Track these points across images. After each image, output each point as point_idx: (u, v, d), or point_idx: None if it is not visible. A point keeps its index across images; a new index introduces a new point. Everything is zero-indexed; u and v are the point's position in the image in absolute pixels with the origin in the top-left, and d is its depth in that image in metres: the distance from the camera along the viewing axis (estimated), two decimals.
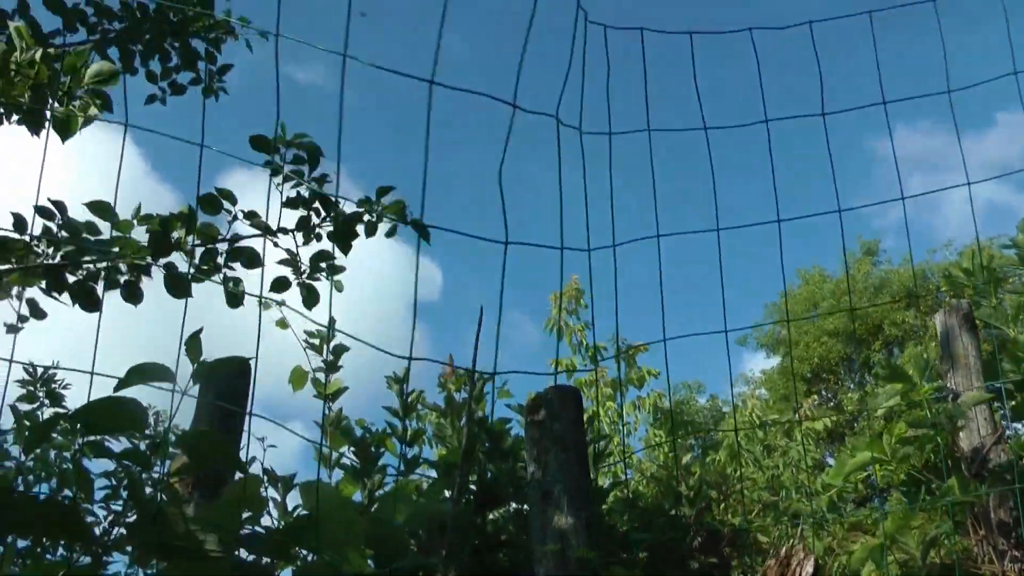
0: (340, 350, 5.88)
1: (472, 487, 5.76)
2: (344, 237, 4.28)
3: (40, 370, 5.45)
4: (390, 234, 4.33)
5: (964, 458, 3.75)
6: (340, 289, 4.42)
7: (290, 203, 4.22)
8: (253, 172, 4.06)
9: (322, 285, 4.51)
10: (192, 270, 3.96)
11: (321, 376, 5.55)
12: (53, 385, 5.52)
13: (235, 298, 4.04)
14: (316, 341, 5.86)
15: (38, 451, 4.62)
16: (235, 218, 4.07)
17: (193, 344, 2.66)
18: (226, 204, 4.02)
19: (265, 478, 4.85)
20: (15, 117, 3.61)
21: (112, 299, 4.00)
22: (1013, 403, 4.09)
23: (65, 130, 3.40)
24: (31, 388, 5.38)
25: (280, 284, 4.34)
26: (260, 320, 2.72)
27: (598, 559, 3.91)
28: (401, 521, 4.72)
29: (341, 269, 4.43)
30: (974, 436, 3.91)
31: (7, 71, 3.09)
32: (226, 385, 4.13)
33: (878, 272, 35.55)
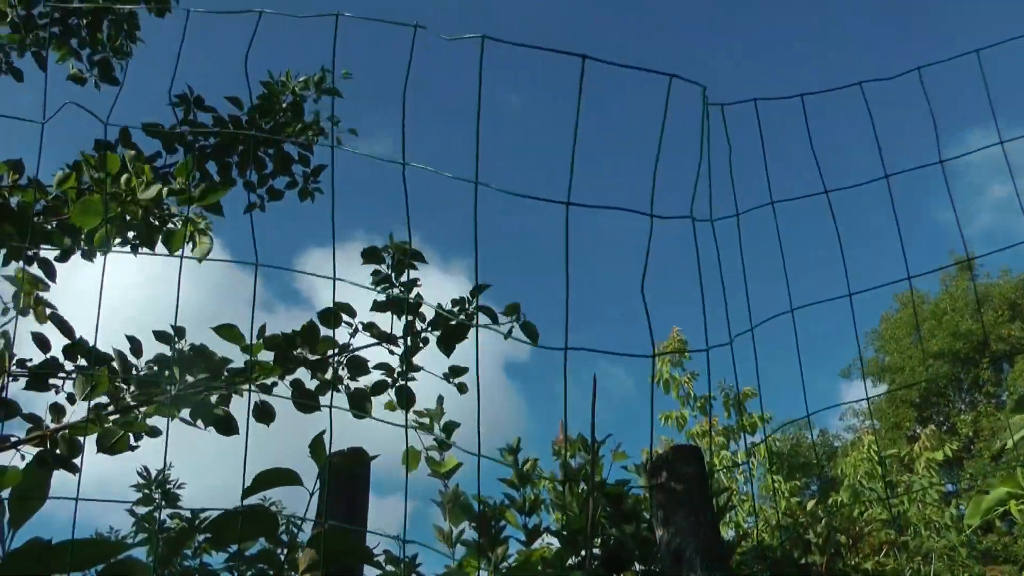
0: (451, 427, 5.94)
1: (596, 551, 5.75)
2: (448, 341, 4.41)
3: (155, 473, 5.57)
4: (508, 335, 4.42)
5: None
6: (464, 391, 4.51)
7: (377, 307, 4.34)
8: (326, 251, 4.19)
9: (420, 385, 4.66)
10: (318, 382, 4.06)
11: (432, 454, 5.60)
12: (168, 486, 5.64)
13: (363, 409, 4.14)
14: (426, 420, 5.93)
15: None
16: (356, 331, 4.20)
17: (317, 447, 2.72)
18: (345, 317, 4.15)
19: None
20: (127, 247, 3.75)
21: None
22: None
23: (170, 245, 3.56)
24: (146, 491, 5.50)
25: (379, 387, 4.44)
26: (407, 449, 2.76)
27: None
28: None
29: (464, 371, 4.54)
30: None
31: (128, 202, 3.24)
32: (348, 476, 4.20)
33: (976, 285, 34.74)
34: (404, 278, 4.41)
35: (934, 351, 33.14)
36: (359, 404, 4.14)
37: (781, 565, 5.68)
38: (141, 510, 5.48)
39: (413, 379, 4.49)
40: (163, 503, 5.59)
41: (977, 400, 32.79)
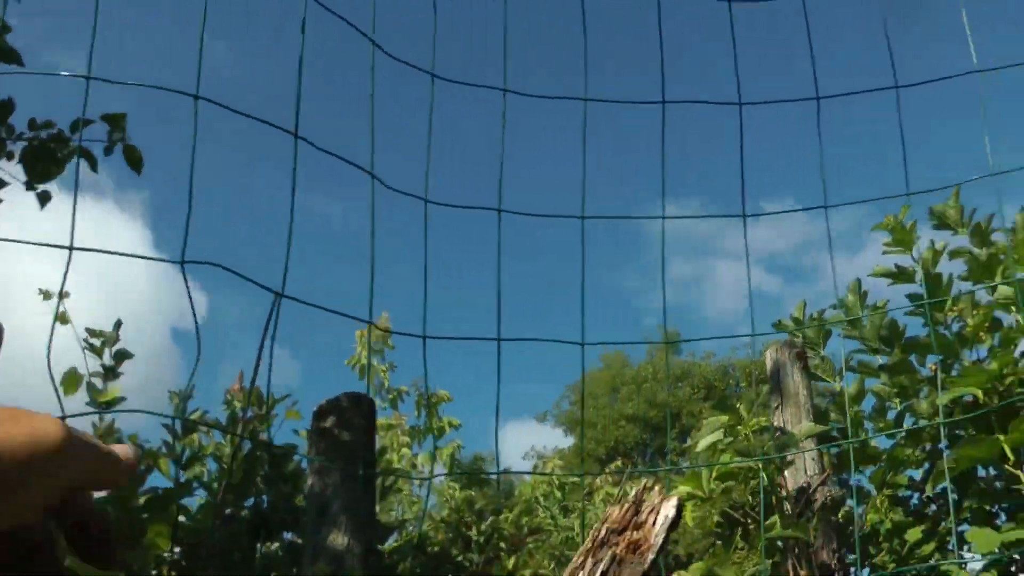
0: (123, 356, 5.41)
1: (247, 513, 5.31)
2: (34, 162, 3.71)
3: None
4: (108, 152, 3.81)
5: (788, 497, 3.49)
6: (46, 200, 3.79)
7: None
8: None
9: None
10: None
11: (96, 381, 5.10)
12: None
13: None
14: (97, 342, 5.40)
15: None
16: None
17: None
18: None
19: None
20: None
21: None
22: (838, 451, 3.88)
23: None
24: None
25: None
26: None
27: None
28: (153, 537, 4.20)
29: (56, 171, 3.81)
30: (800, 475, 3.67)
31: None
32: None
33: (680, 361, 36.31)
34: None
35: (628, 414, 34.29)
36: None
37: (438, 559, 5.36)
38: None
39: None
40: None
41: (657, 466, 34.06)
